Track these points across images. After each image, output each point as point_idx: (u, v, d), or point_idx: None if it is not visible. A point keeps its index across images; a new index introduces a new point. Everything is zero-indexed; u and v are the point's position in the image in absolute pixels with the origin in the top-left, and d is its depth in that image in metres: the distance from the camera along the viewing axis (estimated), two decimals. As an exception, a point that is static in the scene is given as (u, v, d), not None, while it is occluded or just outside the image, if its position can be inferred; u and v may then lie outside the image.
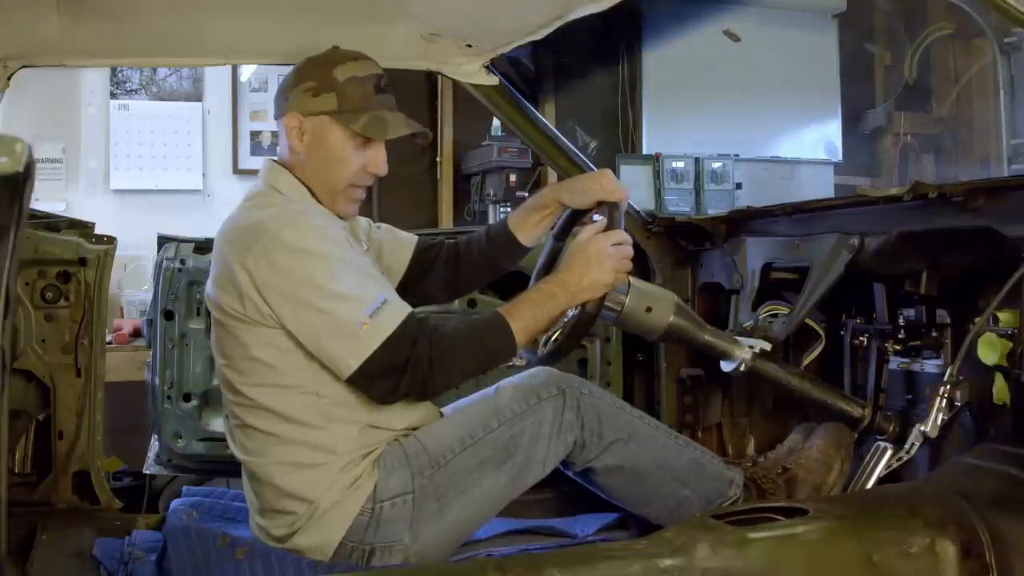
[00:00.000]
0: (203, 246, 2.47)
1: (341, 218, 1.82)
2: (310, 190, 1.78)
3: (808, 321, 2.07)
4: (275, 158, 1.84)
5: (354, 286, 1.63)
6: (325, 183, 1.77)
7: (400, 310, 1.64)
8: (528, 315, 1.69)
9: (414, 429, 1.75)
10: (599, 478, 1.81)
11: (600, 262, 1.72)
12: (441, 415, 1.83)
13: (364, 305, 1.60)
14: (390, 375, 1.61)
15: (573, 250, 1.76)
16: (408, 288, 1.95)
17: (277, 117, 1.82)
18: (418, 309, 1.75)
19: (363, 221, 1.98)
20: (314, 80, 1.76)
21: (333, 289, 1.61)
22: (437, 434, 1.73)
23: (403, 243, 2.04)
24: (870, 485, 1.78)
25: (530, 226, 1.98)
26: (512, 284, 2.13)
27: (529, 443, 1.72)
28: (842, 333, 2.10)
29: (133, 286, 3.87)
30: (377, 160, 1.78)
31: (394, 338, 1.60)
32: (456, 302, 2.33)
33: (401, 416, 1.73)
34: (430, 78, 4.07)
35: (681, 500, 1.80)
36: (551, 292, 1.71)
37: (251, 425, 1.70)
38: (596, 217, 1.86)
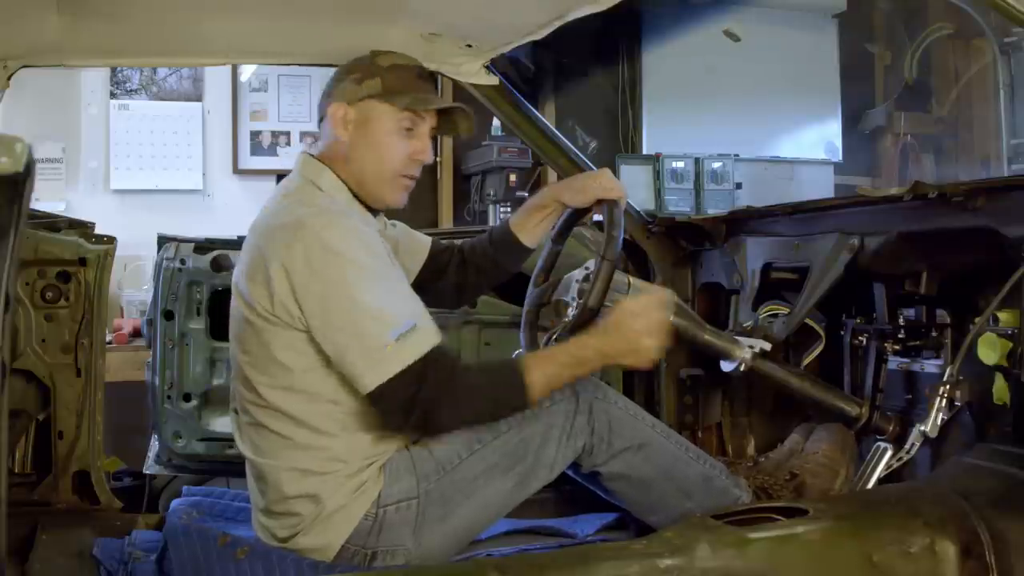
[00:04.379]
0: (203, 246, 2.48)
1: (376, 211, 1.81)
2: (351, 189, 1.75)
3: (808, 321, 2.07)
4: (311, 152, 1.80)
5: (387, 303, 1.61)
6: (373, 172, 1.74)
7: (426, 340, 1.60)
8: (551, 373, 1.66)
9: None
10: (604, 483, 1.80)
11: (646, 347, 1.68)
12: None
13: (393, 327, 1.58)
14: (399, 406, 1.59)
15: (620, 318, 1.69)
16: (418, 291, 1.94)
17: (320, 116, 1.80)
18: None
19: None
20: (358, 71, 1.76)
21: (366, 302, 1.59)
22: (444, 439, 1.71)
23: (419, 244, 2.03)
24: (870, 485, 1.78)
25: (531, 227, 1.98)
26: (513, 285, 2.13)
27: (538, 447, 1.71)
28: (842, 333, 2.10)
29: (133, 286, 3.87)
30: (423, 147, 1.76)
31: (413, 368, 1.57)
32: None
33: None
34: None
35: (684, 513, 1.74)
36: (585, 359, 1.68)
37: (265, 425, 1.68)
38: (597, 217, 1.85)
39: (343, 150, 1.75)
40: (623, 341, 1.68)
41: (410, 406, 1.58)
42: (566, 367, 1.67)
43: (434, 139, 1.85)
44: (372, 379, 1.58)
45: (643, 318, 1.69)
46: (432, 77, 1.80)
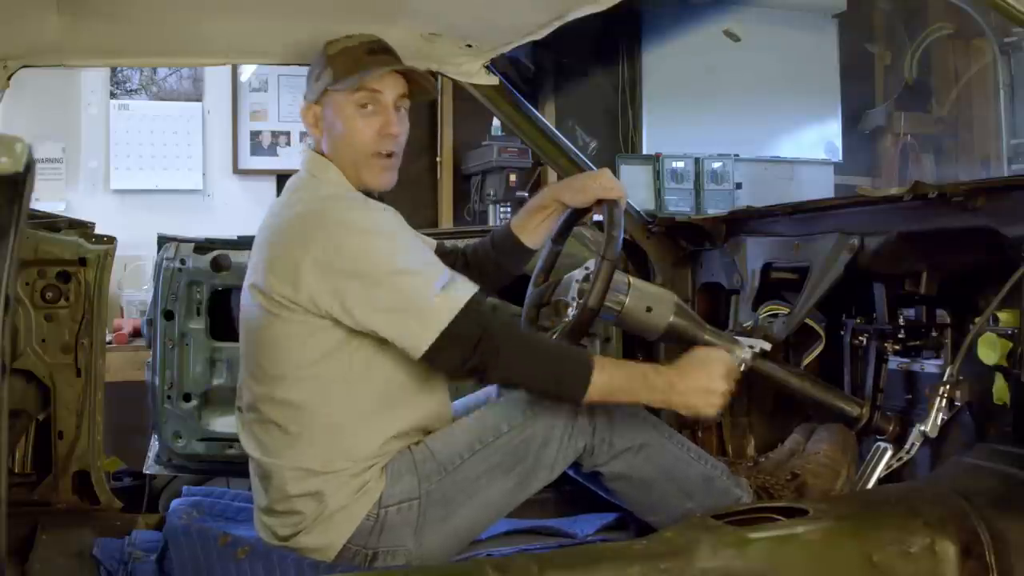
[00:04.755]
0: (203, 246, 2.48)
1: (377, 193, 1.81)
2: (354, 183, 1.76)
3: (808, 321, 2.07)
4: (315, 148, 1.82)
5: (421, 261, 1.64)
6: (349, 159, 1.75)
7: (470, 284, 1.63)
8: (616, 378, 1.65)
9: (427, 433, 1.74)
10: (605, 483, 1.80)
11: (716, 392, 1.69)
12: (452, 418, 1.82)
13: (434, 279, 1.60)
14: (460, 347, 1.59)
15: (696, 356, 1.73)
16: None
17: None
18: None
19: None
20: (316, 68, 1.79)
21: (401, 265, 1.61)
22: (446, 439, 1.72)
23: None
24: (870, 485, 1.78)
25: (532, 227, 1.98)
26: (514, 285, 2.13)
27: (540, 447, 1.71)
28: (842, 333, 2.10)
29: (133, 286, 3.86)
30: (386, 120, 1.75)
31: (466, 310, 1.59)
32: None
33: (422, 422, 1.73)
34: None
35: (685, 513, 1.74)
36: (653, 382, 1.68)
37: (273, 422, 1.68)
38: (597, 217, 1.85)
39: (324, 147, 1.78)
40: (699, 378, 1.69)
41: (470, 346, 1.59)
42: (632, 380, 1.68)
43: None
44: (429, 333, 1.58)
45: (721, 364, 1.71)
46: (387, 49, 1.78)
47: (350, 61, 1.74)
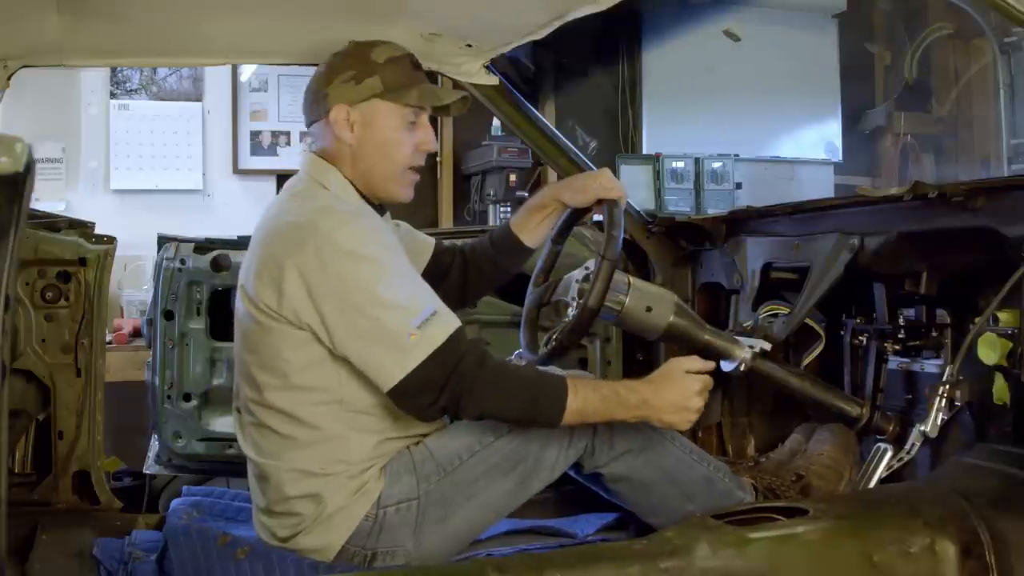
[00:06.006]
0: (203, 246, 2.48)
1: (384, 210, 1.80)
2: (358, 189, 1.74)
3: (808, 321, 2.07)
4: (317, 152, 1.77)
5: (404, 294, 1.60)
6: (383, 171, 1.73)
7: (449, 323, 1.60)
8: (591, 401, 1.62)
9: (424, 435, 1.74)
10: (606, 484, 1.80)
11: (691, 409, 1.66)
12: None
13: (413, 315, 1.57)
14: (431, 390, 1.57)
15: (671, 372, 1.69)
16: None
17: (316, 118, 1.75)
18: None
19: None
20: (352, 69, 1.72)
21: (383, 296, 1.58)
22: (445, 440, 1.72)
23: (422, 246, 2.02)
24: (871, 486, 1.78)
25: (532, 227, 1.98)
26: (513, 285, 2.13)
27: (540, 448, 1.71)
28: (842, 333, 2.10)
29: (133, 286, 3.87)
30: (427, 137, 1.75)
31: (440, 352, 1.56)
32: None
33: (419, 425, 1.72)
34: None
35: (686, 515, 1.70)
36: (627, 400, 1.65)
37: (268, 426, 1.68)
38: (597, 217, 1.85)
39: (349, 152, 1.73)
40: (674, 395, 1.66)
41: (441, 388, 1.56)
42: (606, 401, 1.64)
43: (432, 123, 1.85)
44: (398, 370, 1.56)
45: (696, 380, 1.68)
46: (420, 64, 1.79)
47: (402, 75, 1.72)
